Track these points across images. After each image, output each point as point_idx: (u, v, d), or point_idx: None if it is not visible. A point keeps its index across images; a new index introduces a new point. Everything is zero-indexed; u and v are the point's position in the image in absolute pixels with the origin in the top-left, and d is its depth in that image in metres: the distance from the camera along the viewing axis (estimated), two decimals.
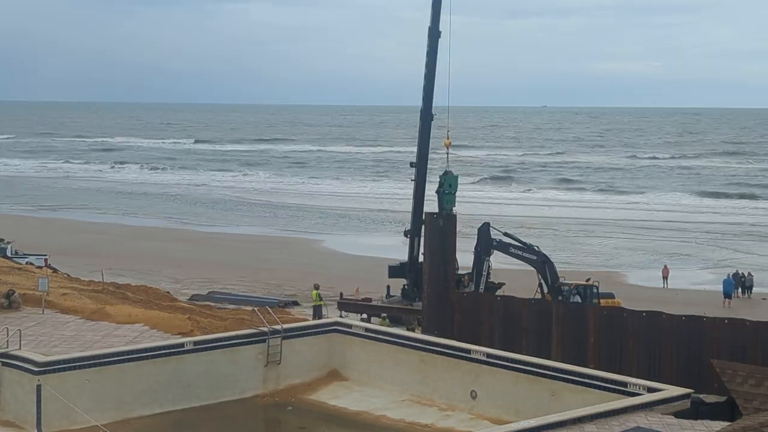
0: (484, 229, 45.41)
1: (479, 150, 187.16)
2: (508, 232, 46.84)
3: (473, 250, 45.87)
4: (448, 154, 47.88)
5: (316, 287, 46.29)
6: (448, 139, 47.17)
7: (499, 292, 44.18)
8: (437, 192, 45.00)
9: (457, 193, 47.47)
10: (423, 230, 38.44)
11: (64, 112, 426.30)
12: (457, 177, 46.04)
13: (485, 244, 45.00)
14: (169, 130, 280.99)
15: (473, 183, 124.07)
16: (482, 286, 44.65)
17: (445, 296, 34.81)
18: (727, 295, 54.37)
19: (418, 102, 49.45)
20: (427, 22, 48.97)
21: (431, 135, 50.21)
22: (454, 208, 43.78)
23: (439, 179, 45.49)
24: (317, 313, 44.26)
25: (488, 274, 45.38)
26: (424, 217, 40.37)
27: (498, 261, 48.89)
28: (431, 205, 47.84)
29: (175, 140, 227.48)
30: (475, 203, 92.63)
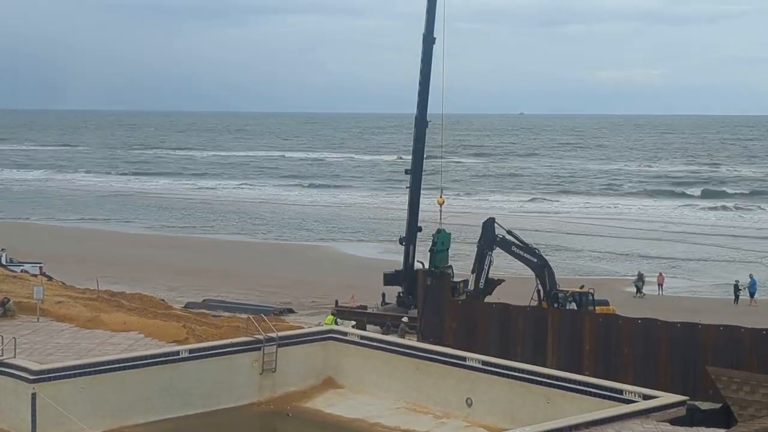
0: (489, 224, 44.98)
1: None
2: (512, 230, 46.46)
3: (476, 242, 45.59)
4: (441, 211, 47.65)
5: (333, 314, 45.66)
6: (441, 197, 46.88)
7: (496, 291, 44.18)
8: (430, 251, 44.99)
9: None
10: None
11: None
12: (449, 234, 45.83)
13: (488, 238, 44.65)
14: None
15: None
16: (482, 281, 44.43)
17: (440, 304, 34.91)
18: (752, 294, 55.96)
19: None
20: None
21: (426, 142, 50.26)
22: (447, 266, 44.08)
23: (432, 238, 45.22)
24: None
25: (488, 269, 45.13)
26: (418, 274, 40.59)
27: (496, 262, 48.68)
28: (428, 210, 47.70)
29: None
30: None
